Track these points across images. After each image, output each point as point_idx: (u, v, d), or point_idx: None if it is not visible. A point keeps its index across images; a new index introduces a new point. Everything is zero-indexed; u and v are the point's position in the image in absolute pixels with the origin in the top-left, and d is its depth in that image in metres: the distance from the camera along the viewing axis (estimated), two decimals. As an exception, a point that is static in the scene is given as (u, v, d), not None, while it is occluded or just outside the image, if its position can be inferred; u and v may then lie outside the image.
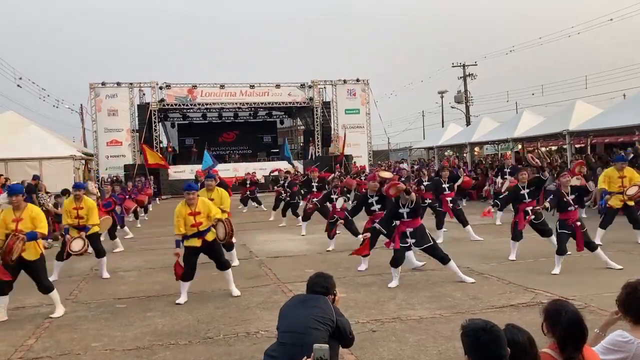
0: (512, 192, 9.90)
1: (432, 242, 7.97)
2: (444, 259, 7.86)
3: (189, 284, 7.45)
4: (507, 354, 2.41)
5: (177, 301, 7.24)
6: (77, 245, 8.62)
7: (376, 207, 9.08)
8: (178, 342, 5.69)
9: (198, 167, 25.42)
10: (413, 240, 7.91)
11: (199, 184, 10.34)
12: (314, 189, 13.75)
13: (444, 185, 11.79)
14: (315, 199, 13.28)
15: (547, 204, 8.49)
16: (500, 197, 11.07)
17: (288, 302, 4.25)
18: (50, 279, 7.57)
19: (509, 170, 14.71)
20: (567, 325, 2.76)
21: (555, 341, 2.78)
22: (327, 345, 3.11)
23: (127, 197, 16.22)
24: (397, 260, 7.85)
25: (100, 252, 9.33)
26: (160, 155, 16.25)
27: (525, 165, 15.29)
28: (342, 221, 10.37)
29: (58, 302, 7.06)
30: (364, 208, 9.34)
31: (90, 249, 8.96)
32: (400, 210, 7.99)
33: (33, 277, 6.97)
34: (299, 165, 30.31)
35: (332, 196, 11.93)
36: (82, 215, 9.04)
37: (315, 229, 13.66)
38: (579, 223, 8.14)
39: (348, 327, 4.15)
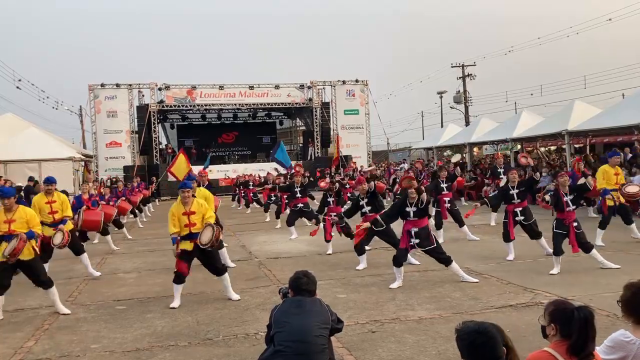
0: (501, 191, 9.80)
1: (435, 244, 7.87)
2: (446, 261, 7.81)
3: (182, 287, 7.33)
4: (502, 355, 2.41)
5: (171, 305, 7.15)
6: (58, 238, 8.53)
7: (367, 208, 9.14)
8: (178, 343, 5.69)
9: (197, 168, 25.44)
10: (417, 241, 7.83)
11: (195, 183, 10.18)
12: (298, 195, 12.92)
13: (442, 185, 11.81)
14: (300, 204, 12.84)
15: (547, 197, 8.44)
16: (490, 196, 11.03)
17: (282, 308, 4.04)
18: None
19: (502, 169, 14.78)
20: (584, 325, 2.71)
21: (566, 342, 2.72)
22: None
23: (119, 198, 16.23)
24: (398, 259, 7.82)
25: (79, 250, 9.21)
26: (188, 168, 15.89)
27: (517, 166, 15.30)
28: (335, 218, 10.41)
29: (58, 300, 7.15)
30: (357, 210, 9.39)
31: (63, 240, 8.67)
32: (407, 209, 7.90)
33: (31, 276, 7.12)
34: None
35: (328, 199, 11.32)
36: (56, 209, 8.97)
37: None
38: (575, 224, 8.10)
39: (336, 317, 4.15)
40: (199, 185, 10.17)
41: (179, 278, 7.27)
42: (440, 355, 5.01)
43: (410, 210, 7.88)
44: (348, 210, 9.91)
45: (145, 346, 5.66)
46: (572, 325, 2.72)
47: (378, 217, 8.44)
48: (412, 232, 7.84)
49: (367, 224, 8.54)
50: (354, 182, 14.41)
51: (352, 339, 5.53)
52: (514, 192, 9.30)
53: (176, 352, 5.45)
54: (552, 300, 3.06)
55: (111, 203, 14.44)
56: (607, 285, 6.99)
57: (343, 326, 4.29)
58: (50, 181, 9.22)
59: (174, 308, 7.09)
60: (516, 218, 9.22)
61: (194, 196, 7.70)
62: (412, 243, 7.87)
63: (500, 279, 7.84)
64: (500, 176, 14.12)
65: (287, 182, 15.72)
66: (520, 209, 9.23)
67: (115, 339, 5.97)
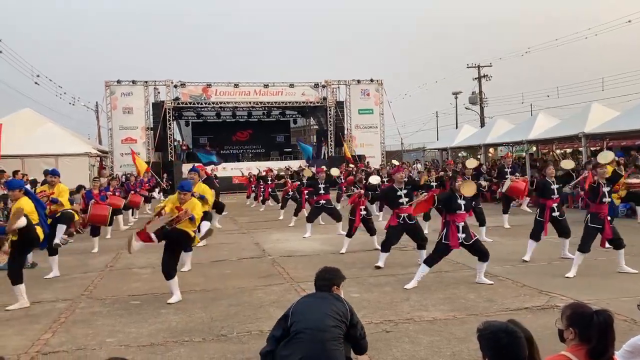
0: (541, 186, 9.43)
1: (477, 237, 7.68)
2: (485, 255, 7.58)
3: (174, 282, 7.39)
4: (525, 356, 2.39)
5: (168, 301, 7.21)
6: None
7: (404, 199, 8.72)
8: (192, 339, 5.73)
9: (209, 166, 25.60)
10: (463, 235, 7.45)
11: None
12: (322, 191, 13.03)
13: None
14: (323, 201, 12.87)
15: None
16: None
17: (300, 300, 4.28)
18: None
19: (509, 170, 14.61)
20: (604, 330, 2.67)
21: (585, 346, 2.69)
22: None
23: (131, 191, 16.63)
24: (437, 259, 7.58)
25: (53, 250, 9.12)
26: (139, 162, 17.48)
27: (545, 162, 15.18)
28: (364, 212, 10.57)
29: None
30: (389, 200, 9.03)
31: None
32: (459, 201, 7.45)
33: None
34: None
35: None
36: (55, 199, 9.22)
37: (329, 229, 13.68)
38: (609, 217, 8.02)
39: (362, 327, 4.19)
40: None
41: (167, 275, 7.40)
42: (455, 356, 4.99)
43: (461, 203, 7.45)
44: (378, 196, 9.78)
45: (160, 341, 5.70)
46: (592, 330, 2.68)
47: (436, 196, 7.97)
48: (460, 227, 7.44)
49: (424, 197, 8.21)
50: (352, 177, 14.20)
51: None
52: (555, 187, 9.14)
53: (190, 347, 5.49)
54: (569, 303, 3.02)
55: (117, 194, 15.11)
56: (624, 290, 6.92)
57: (365, 346, 4.29)
58: (53, 173, 9.61)
59: (170, 303, 7.15)
60: (553, 214, 9.09)
61: (193, 195, 7.82)
62: (460, 240, 7.44)
63: (516, 281, 7.79)
64: (506, 177, 13.79)
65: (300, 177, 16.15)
66: (557, 204, 9.14)
67: (130, 333, 6.02)
